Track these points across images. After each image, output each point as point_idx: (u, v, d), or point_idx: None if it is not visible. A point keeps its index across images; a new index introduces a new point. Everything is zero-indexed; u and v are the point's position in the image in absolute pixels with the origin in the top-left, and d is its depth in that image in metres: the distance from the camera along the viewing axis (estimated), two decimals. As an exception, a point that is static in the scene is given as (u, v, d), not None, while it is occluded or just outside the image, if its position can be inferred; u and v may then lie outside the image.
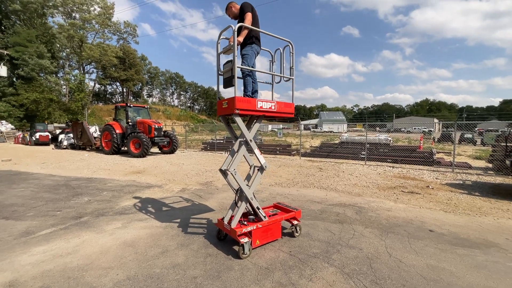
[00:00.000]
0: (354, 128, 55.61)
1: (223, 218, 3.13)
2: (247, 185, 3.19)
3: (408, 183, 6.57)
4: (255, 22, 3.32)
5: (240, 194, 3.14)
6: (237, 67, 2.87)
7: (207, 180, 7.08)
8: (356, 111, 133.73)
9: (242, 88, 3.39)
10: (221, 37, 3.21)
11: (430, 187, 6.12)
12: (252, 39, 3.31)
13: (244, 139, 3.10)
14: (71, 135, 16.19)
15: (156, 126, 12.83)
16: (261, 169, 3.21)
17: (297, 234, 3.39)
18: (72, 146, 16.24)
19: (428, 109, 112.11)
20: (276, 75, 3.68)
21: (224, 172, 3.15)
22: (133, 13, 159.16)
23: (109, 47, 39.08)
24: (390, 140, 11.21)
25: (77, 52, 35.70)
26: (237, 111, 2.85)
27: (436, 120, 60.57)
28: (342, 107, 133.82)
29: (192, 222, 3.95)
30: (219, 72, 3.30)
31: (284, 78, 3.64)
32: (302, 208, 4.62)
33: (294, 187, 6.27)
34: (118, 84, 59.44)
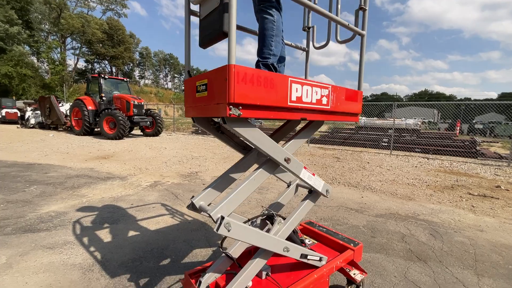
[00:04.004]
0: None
1: (196, 278, 1.29)
2: (276, 216, 1.30)
3: (466, 181, 4.83)
4: None
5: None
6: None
7: (191, 171, 5.21)
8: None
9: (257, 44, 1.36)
10: None
11: (503, 187, 4.39)
12: None
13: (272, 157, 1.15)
14: (39, 112, 13.90)
15: (136, 103, 10.69)
16: (315, 196, 1.39)
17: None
18: (41, 125, 13.99)
19: (427, 100, 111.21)
20: (339, 20, 1.39)
21: (201, 211, 1.17)
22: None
23: (92, 18, 35.33)
24: (419, 125, 9.44)
25: (56, 22, 32.05)
26: (235, 112, 0.90)
27: (436, 111, 59.35)
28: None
29: (144, 256, 2.10)
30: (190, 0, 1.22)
31: (340, 36, 1.53)
32: (337, 222, 2.82)
33: (312, 184, 4.45)
34: (106, 62, 55.50)
